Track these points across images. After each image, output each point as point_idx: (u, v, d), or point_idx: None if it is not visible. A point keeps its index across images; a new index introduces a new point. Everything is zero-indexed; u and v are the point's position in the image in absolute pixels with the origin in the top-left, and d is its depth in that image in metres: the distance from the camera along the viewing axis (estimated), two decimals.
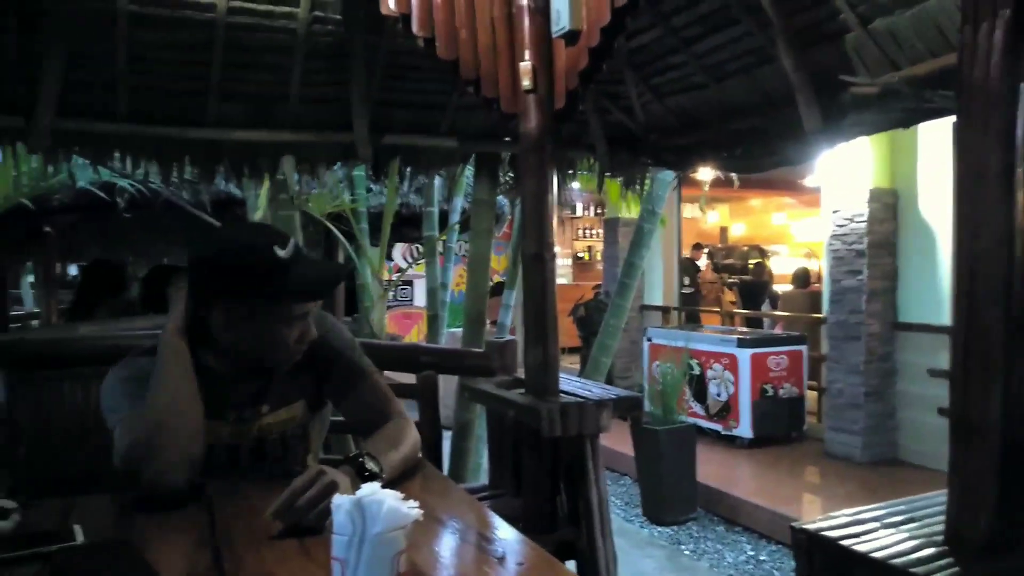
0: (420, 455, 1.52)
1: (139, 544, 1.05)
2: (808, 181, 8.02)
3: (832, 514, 1.16)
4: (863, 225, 5.20)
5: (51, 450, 1.69)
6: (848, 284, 5.33)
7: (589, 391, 2.26)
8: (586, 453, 2.17)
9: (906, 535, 1.06)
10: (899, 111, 1.93)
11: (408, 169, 2.98)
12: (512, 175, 3.11)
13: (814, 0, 1.91)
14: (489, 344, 2.75)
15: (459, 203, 4.50)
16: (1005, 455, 0.99)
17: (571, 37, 1.95)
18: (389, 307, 7.46)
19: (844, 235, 5.35)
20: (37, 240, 4.92)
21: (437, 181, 4.10)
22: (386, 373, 1.62)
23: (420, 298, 8.89)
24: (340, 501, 0.81)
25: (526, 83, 2.01)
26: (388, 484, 1.07)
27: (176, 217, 4.35)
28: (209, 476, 1.33)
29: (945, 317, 4.98)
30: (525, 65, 2.01)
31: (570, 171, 3.04)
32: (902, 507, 1.21)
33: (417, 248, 7.84)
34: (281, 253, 1.32)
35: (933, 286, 5.08)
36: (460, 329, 3.88)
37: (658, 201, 4.24)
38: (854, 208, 5.27)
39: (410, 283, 9.62)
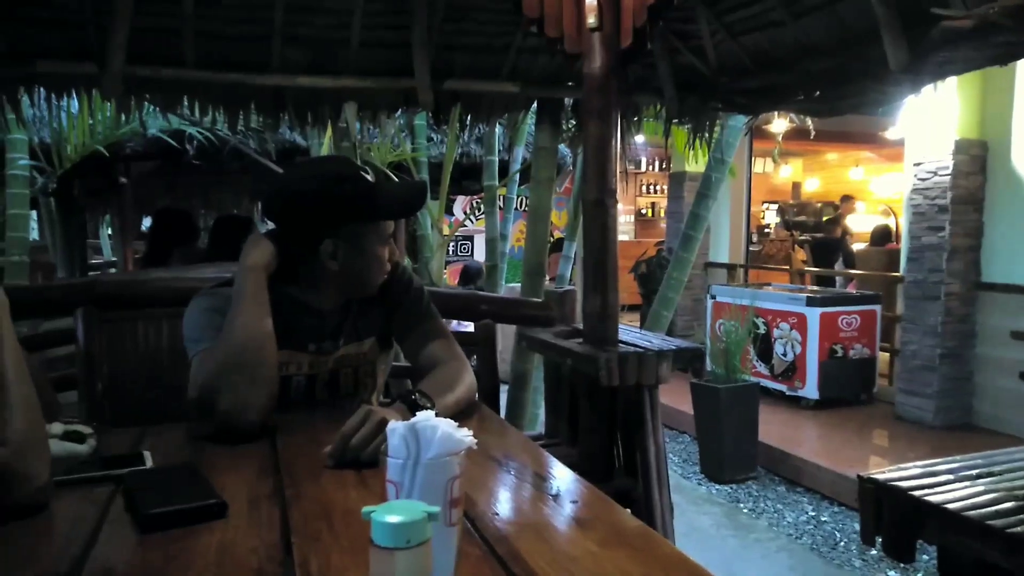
0: (476, 399, 1.53)
1: (205, 470, 1.08)
2: (889, 133, 7.61)
3: (903, 465, 1.10)
4: (947, 179, 4.91)
5: (126, 386, 1.77)
6: (928, 241, 5.06)
7: (649, 342, 2.22)
8: (644, 404, 2.14)
9: (983, 488, 1.00)
10: (996, 47, 1.77)
11: (469, 117, 2.94)
12: (575, 123, 3.03)
13: None
14: (548, 293, 2.73)
15: (520, 153, 4.44)
16: None
17: None
18: (448, 262, 7.51)
19: (926, 189, 5.06)
20: (114, 191, 5.12)
21: (498, 130, 4.05)
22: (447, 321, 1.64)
23: (480, 254, 8.93)
24: (395, 426, 0.81)
25: (591, 20, 1.94)
26: None
27: (243, 166, 4.44)
28: (286, 405, 1.38)
29: None
30: (591, 1, 1.93)
31: (635, 118, 2.94)
32: (979, 461, 1.14)
33: (477, 202, 7.85)
34: (370, 177, 1.39)
35: (1021, 245, 4.78)
36: (518, 284, 3.87)
37: (728, 149, 4.08)
38: (938, 160, 4.97)
39: (470, 238, 9.67)
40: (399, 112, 2.90)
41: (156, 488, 0.99)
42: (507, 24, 2.68)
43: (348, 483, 1.07)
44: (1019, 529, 0.85)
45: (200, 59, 2.60)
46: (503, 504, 1.09)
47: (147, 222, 7.28)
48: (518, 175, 4.61)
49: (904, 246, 5.44)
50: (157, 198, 5.15)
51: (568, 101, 2.94)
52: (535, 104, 2.99)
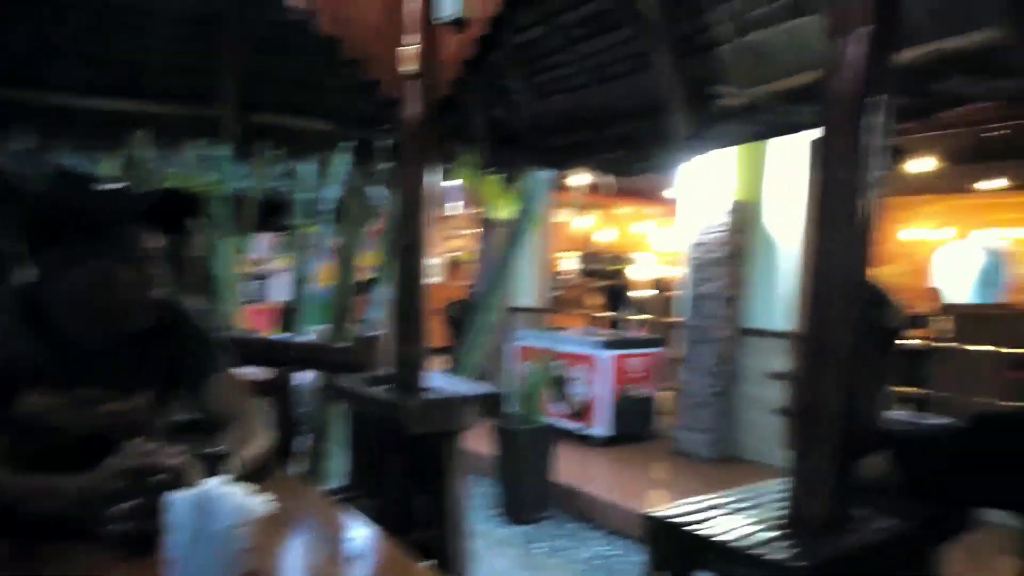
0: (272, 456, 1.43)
1: None
2: (669, 193, 8.45)
3: (681, 502, 1.20)
4: (721, 235, 5.54)
5: None
6: (705, 290, 5.65)
7: (455, 387, 2.23)
8: (448, 450, 2.15)
9: (749, 520, 1.11)
10: (763, 124, 2.04)
11: (278, 152, 2.81)
12: (390, 165, 3.02)
13: (693, 10, 1.99)
14: (355, 339, 2.66)
15: (331, 192, 4.32)
16: (843, 445, 1.06)
17: (458, 24, 1.93)
18: (245, 301, 7.05)
19: (704, 243, 5.67)
20: None
21: (309, 167, 3.91)
22: (239, 369, 1.53)
23: (279, 293, 8.50)
24: (177, 496, 0.72)
25: (409, 67, 1.96)
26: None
27: (9, 193, 3.87)
28: (43, 464, 1.16)
29: (783, 324, 5.41)
30: (409, 49, 1.96)
31: (449, 165, 3.00)
32: (748, 494, 1.27)
33: (282, 239, 7.49)
34: (96, 187, 1.25)
35: (774, 295, 5.51)
36: (322, 327, 3.73)
37: (535, 200, 4.29)
38: (715, 218, 5.61)
39: (268, 277, 9.18)
40: (200, 142, 2.70)
41: None
42: (325, 62, 2.62)
43: (112, 562, 0.93)
44: (776, 556, 0.96)
45: None
46: (298, 570, 1.03)
47: None
48: (328, 214, 4.47)
49: (685, 294, 6.03)
50: None
51: (384, 143, 2.92)
52: (350, 143, 2.94)
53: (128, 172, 3.08)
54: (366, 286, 4.48)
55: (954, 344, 5.00)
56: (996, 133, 8.10)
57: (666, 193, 8.90)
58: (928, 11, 1.47)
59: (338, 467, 3.44)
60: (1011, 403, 4.74)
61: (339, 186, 4.08)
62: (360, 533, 1.14)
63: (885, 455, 1.06)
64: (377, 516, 1.84)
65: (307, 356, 2.27)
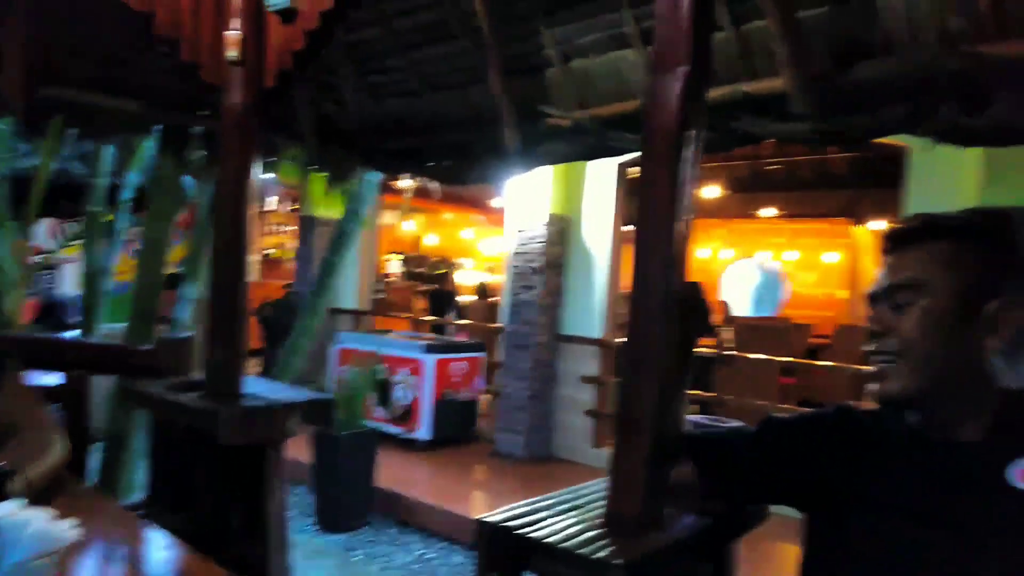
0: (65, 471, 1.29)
1: None
2: (495, 202, 8.68)
3: (512, 506, 1.24)
4: (540, 246, 5.79)
5: None
6: (524, 298, 5.87)
7: (276, 393, 2.13)
8: (269, 461, 2.04)
9: (573, 521, 1.18)
10: (586, 145, 2.17)
11: (73, 131, 2.52)
12: (204, 153, 2.81)
13: (523, 33, 2.07)
14: (160, 341, 2.46)
15: (134, 178, 3.93)
16: (656, 448, 1.16)
17: (287, 15, 1.85)
18: (31, 294, 6.24)
19: (524, 253, 5.89)
20: None
21: (109, 148, 3.54)
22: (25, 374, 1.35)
23: (68, 287, 7.60)
24: None
25: (232, 53, 1.85)
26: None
27: None
28: None
29: (596, 331, 5.77)
30: (233, 34, 1.85)
31: (273, 159, 2.85)
32: (568, 496, 1.33)
33: (70, 226, 6.72)
34: None
35: (589, 304, 5.85)
36: (121, 326, 3.39)
37: (363, 202, 4.22)
38: (534, 230, 5.84)
39: (56, 268, 8.19)
40: None
41: None
42: (135, 36, 2.38)
43: None
44: (599, 555, 1.03)
45: None
46: None
47: None
48: (128, 202, 4.07)
49: (505, 301, 6.22)
50: None
51: (198, 129, 2.72)
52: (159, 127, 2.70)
53: None
54: (172, 282, 4.14)
55: (735, 352, 5.61)
56: (770, 168, 9.27)
57: (493, 202, 9.13)
58: (726, 56, 1.66)
59: (137, 480, 3.14)
60: (786, 405, 5.41)
61: (143, 172, 3.72)
62: (166, 550, 1.06)
63: (688, 456, 1.16)
64: (184, 531, 1.71)
65: (105, 358, 2.06)
